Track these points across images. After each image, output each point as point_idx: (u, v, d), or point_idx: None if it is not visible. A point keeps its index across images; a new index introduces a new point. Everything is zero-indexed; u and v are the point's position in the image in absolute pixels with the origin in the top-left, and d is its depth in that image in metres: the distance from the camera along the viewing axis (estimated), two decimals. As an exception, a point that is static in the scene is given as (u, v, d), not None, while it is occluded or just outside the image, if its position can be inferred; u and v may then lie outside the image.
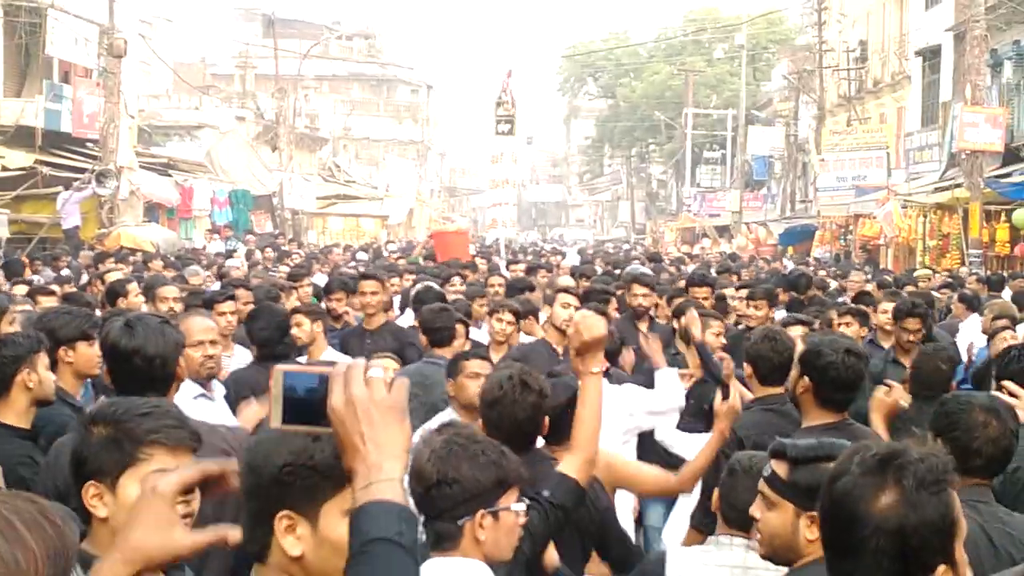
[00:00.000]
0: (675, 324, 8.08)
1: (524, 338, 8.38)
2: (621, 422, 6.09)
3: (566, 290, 8.36)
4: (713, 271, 16.24)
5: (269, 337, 6.94)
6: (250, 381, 6.49)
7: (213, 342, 5.49)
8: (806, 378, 4.67)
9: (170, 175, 31.45)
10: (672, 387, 6.56)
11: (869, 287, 13.51)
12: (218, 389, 5.83)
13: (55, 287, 10.40)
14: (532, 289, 10.94)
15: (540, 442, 4.35)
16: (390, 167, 65.59)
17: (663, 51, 70.72)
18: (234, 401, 5.67)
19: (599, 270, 16.36)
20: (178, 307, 9.23)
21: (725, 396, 4.85)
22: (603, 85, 79.54)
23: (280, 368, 2.02)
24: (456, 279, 12.37)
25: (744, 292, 10.27)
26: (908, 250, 28.71)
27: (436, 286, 9.93)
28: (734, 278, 15.01)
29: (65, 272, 15.00)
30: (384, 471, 1.89)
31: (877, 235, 28.66)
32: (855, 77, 42.05)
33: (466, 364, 5.73)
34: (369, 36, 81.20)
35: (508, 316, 8.17)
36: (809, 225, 37.88)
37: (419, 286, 10.06)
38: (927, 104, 34.20)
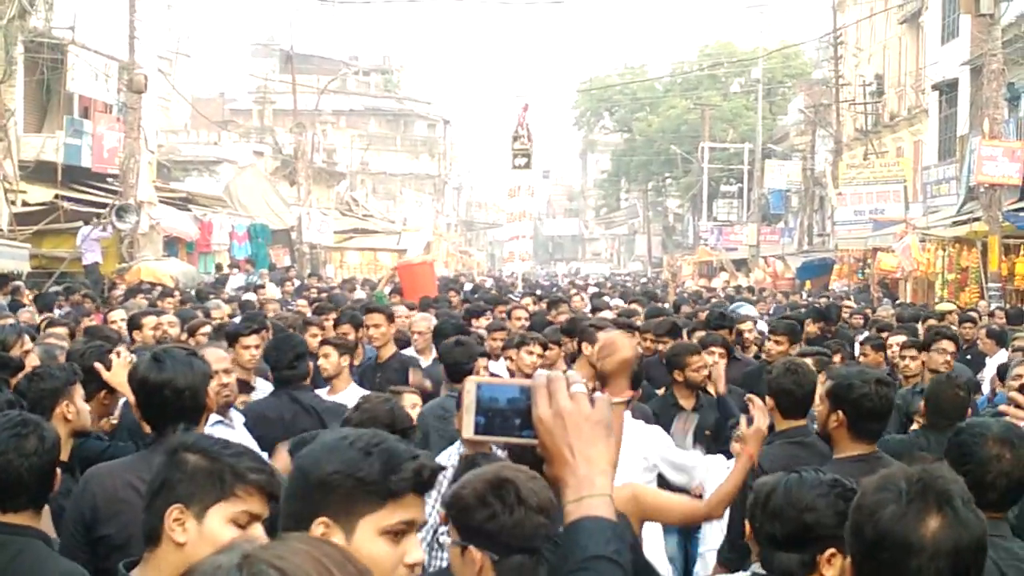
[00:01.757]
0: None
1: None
2: (636, 462, 6.04)
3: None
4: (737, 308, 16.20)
5: (279, 360, 6.98)
6: (266, 411, 6.57)
7: (227, 371, 5.66)
8: (840, 412, 4.67)
9: (189, 210, 31.61)
10: (706, 465, 6.45)
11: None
12: (236, 417, 5.95)
13: (65, 321, 10.56)
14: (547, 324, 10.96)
15: None
16: (407, 201, 65.82)
17: (679, 85, 70.88)
18: (252, 431, 5.79)
19: (614, 302, 16.39)
20: (174, 331, 9.34)
21: (750, 421, 4.86)
22: (619, 119, 79.72)
23: (474, 379, 2.06)
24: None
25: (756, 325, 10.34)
26: (927, 284, 28.61)
27: (456, 319, 10.00)
28: (761, 308, 15.05)
29: (88, 305, 15.09)
30: (596, 486, 1.91)
31: (895, 269, 28.57)
32: (872, 111, 42.09)
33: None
34: (386, 71, 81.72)
35: (538, 348, 8.26)
36: (827, 259, 37.79)
37: (439, 320, 10.12)
38: (944, 138, 34.19)
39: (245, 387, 6.84)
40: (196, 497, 2.73)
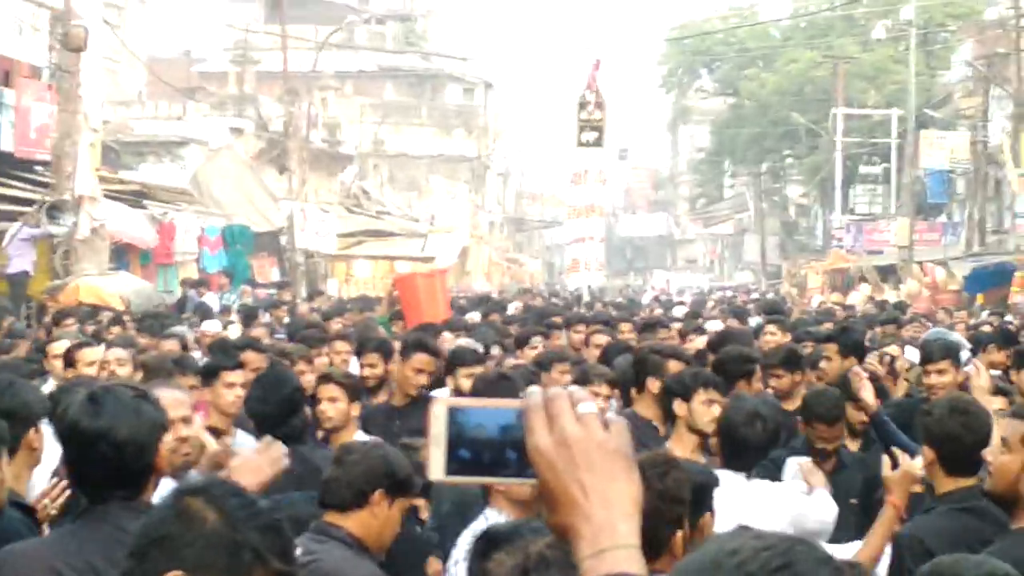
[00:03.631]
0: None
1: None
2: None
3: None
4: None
5: (269, 413, 6.98)
6: None
7: (186, 419, 5.41)
8: None
9: (145, 207, 31.78)
10: (826, 505, 6.68)
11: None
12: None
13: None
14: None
15: None
16: (436, 193, 65.99)
17: (803, 31, 70.63)
18: None
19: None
20: (124, 371, 9.41)
21: (894, 464, 4.87)
22: (722, 78, 79.57)
23: (444, 401, 2.08)
24: (538, 338, 12.42)
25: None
26: None
27: (478, 347, 10.10)
28: (906, 333, 14.91)
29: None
30: (620, 535, 1.94)
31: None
32: (1065, 62, 41.71)
33: None
34: (408, 18, 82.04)
35: (604, 389, 8.26)
36: (1005, 264, 37.45)
37: (455, 345, 10.23)
38: None
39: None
40: (203, 570, 2.81)
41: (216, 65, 62.75)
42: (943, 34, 61.51)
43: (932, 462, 5.57)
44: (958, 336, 13.39)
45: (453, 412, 2.04)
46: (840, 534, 6.73)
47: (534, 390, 2.02)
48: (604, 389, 8.28)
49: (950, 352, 9.37)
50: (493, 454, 2.02)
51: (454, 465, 2.03)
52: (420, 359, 9.16)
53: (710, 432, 7.17)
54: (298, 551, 4.71)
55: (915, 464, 5.03)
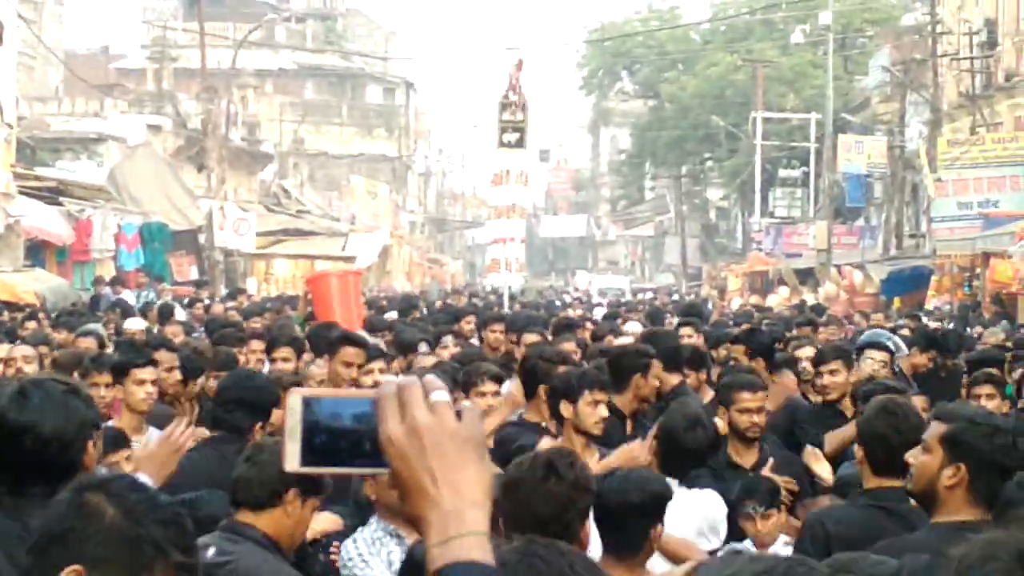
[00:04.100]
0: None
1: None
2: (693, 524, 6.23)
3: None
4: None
5: (242, 418, 6.94)
6: (216, 472, 6.25)
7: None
8: (961, 466, 4.71)
9: (61, 204, 31.54)
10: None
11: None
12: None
13: None
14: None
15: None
16: (357, 193, 65.80)
17: (723, 35, 71.06)
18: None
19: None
20: (30, 368, 9.35)
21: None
22: (643, 80, 79.85)
23: (298, 392, 2.08)
24: (448, 338, 12.39)
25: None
26: (1056, 300, 28.68)
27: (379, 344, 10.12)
28: (821, 336, 15.05)
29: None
30: (467, 522, 1.95)
31: (1012, 280, 28.63)
32: (981, 68, 42.18)
33: None
34: (328, 17, 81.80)
35: (488, 387, 8.22)
36: (922, 268, 37.84)
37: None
38: (1079, 104, 34.33)
39: (122, 440, 6.72)
40: (103, 565, 2.81)
41: (134, 62, 62.32)
42: (861, 39, 62.03)
43: (861, 461, 5.70)
44: (892, 336, 13.50)
45: (308, 403, 2.05)
46: None
47: (388, 379, 2.04)
48: (490, 387, 8.21)
49: (842, 354, 9.54)
50: (349, 444, 2.02)
51: (310, 456, 2.03)
52: (348, 352, 9.10)
53: (597, 433, 7.12)
54: (212, 551, 4.70)
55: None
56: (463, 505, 1.95)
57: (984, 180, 34.36)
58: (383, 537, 5.61)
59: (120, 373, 7.73)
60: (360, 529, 5.71)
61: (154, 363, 7.91)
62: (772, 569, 1.81)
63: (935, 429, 4.83)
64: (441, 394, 1.99)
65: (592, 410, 7.12)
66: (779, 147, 61.40)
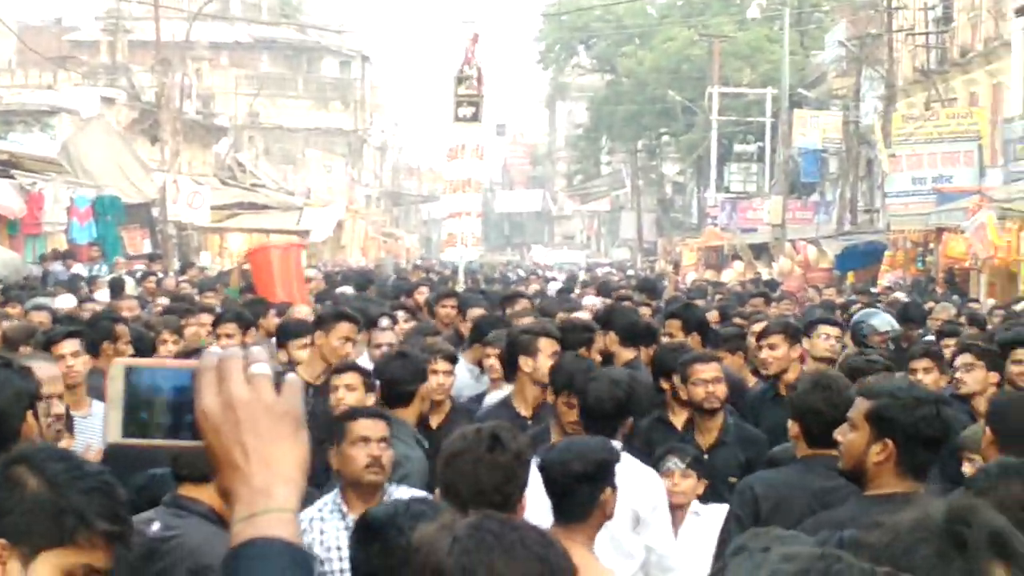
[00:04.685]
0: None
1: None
2: (623, 521, 6.07)
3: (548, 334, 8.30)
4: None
5: None
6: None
7: (61, 397, 5.58)
8: (888, 441, 4.72)
9: (13, 177, 31.33)
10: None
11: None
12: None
13: None
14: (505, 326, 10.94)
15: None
16: (312, 166, 65.63)
17: (680, 9, 71.07)
18: None
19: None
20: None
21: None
22: (599, 55, 79.79)
23: (121, 362, 2.04)
24: (400, 313, 12.37)
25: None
26: (1007, 276, 28.82)
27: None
28: (773, 311, 15.09)
29: None
30: (275, 498, 1.92)
31: (966, 256, 28.78)
32: (936, 44, 42.34)
33: (354, 426, 5.84)
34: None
35: (442, 365, 8.22)
36: (875, 243, 37.99)
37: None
38: (1032, 80, 34.47)
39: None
40: (27, 537, 2.80)
41: (88, 34, 61.85)
42: (817, 14, 62.26)
43: (796, 435, 5.72)
44: (882, 314, 13.54)
45: (130, 373, 2.01)
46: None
47: (210, 351, 2.01)
48: (443, 365, 8.21)
49: (784, 328, 9.58)
50: (170, 417, 1.99)
51: (132, 427, 2.00)
52: (344, 328, 9.02)
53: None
54: (156, 525, 4.67)
55: None
56: (273, 481, 1.91)
57: (938, 155, 34.53)
58: (326, 512, 5.65)
59: (46, 348, 7.68)
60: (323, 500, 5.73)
61: (77, 335, 7.86)
62: (811, 567, 1.76)
63: (860, 406, 4.85)
64: (262, 367, 1.95)
65: (551, 361, 7.16)
66: (735, 122, 61.54)
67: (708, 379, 7.70)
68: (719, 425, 7.78)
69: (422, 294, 15.24)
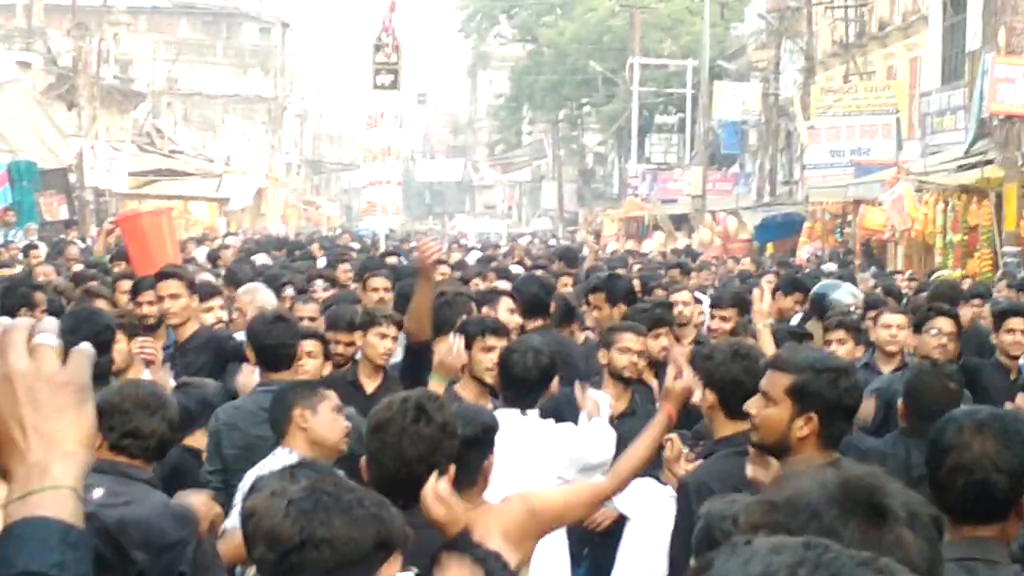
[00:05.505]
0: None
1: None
2: (550, 472, 6.23)
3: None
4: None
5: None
6: None
7: None
8: (812, 416, 4.67)
9: (-75, 141, 30.95)
10: (605, 438, 6.65)
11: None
12: None
13: None
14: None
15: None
16: (231, 133, 65.06)
17: (601, -20, 71.05)
18: None
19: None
20: None
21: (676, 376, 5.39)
22: (520, 25, 79.68)
23: None
24: (319, 282, 12.31)
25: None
26: (924, 248, 29.07)
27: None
28: (693, 281, 15.13)
29: None
30: (52, 476, 1.84)
31: (883, 228, 29.01)
32: (855, 18, 42.58)
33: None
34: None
35: (392, 330, 8.15)
36: (794, 215, 38.23)
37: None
38: (949, 54, 34.72)
39: None
40: None
41: (3, -3, 61.00)
42: (738, -14, 62.43)
43: (712, 405, 5.62)
44: (851, 287, 13.53)
45: None
46: None
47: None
48: (391, 330, 8.14)
49: (736, 301, 9.58)
50: None
51: None
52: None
53: (490, 381, 7.03)
54: (99, 491, 4.59)
55: (691, 381, 5.32)
56: (51, 457, 1.83)
57: (856, 128, 34.72)
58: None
59: None
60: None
61: None
62: (804, 558, 1.70)
63: (779, 380, 4.75)
64: (47, 337, 1.87)
65: (484, 356, 7.08)
66: (656, 93, 61.69)
67: (633, 349, 7.67)
68: (630, 396, 7.77)
69: (347, 272, 15.12)
